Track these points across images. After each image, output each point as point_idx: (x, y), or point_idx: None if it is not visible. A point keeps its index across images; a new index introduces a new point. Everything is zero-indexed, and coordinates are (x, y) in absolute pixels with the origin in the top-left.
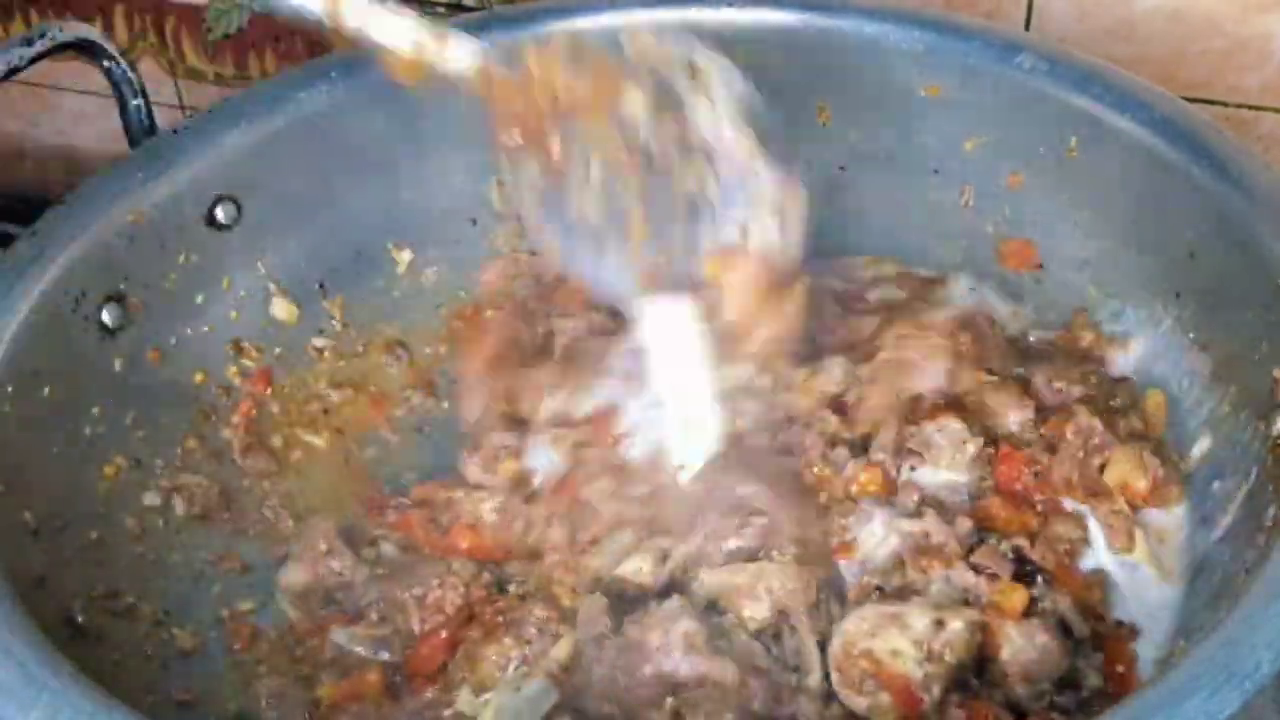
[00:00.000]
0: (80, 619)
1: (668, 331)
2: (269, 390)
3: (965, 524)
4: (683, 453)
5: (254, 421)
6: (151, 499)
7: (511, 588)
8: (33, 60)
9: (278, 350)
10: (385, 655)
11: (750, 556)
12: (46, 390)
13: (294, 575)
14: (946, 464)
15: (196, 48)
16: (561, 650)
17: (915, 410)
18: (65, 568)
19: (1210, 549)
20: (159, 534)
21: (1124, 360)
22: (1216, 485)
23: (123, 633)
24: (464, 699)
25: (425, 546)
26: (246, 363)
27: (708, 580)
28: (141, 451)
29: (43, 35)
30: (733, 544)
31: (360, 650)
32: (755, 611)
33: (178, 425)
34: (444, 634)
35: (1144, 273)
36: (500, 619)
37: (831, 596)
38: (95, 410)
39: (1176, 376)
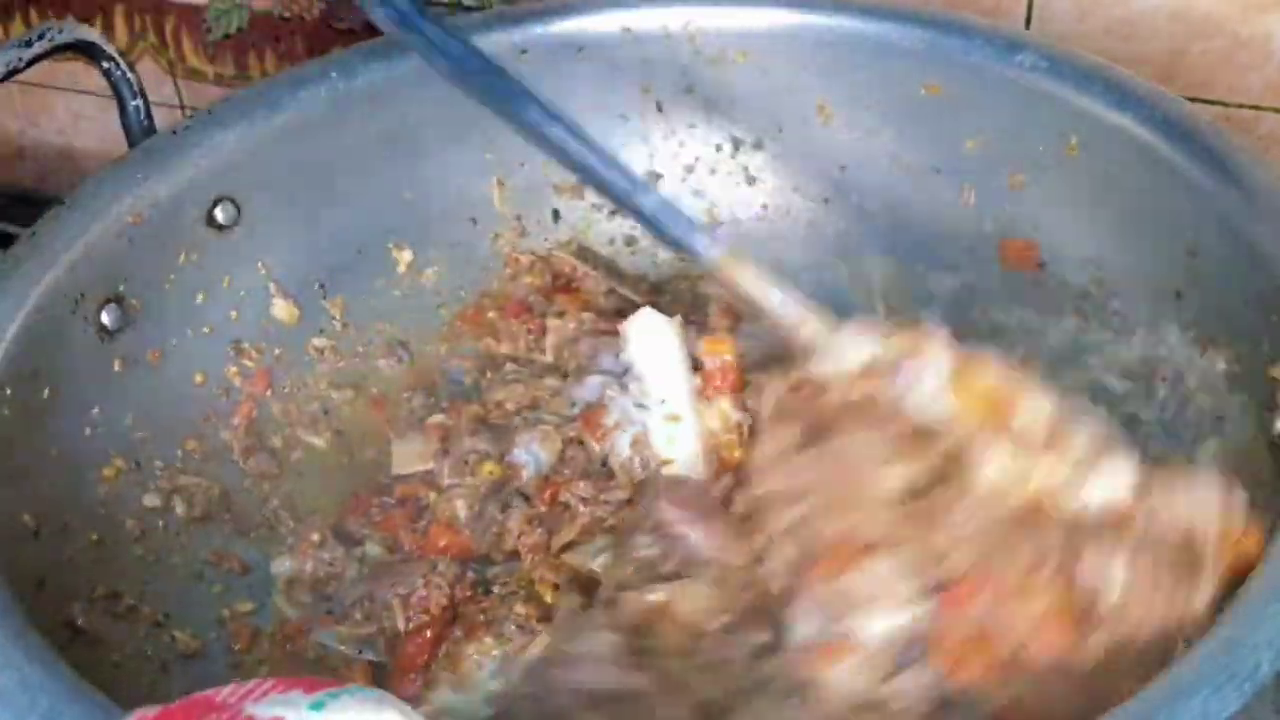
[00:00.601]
0: (80, 621)
1: (651, 346)
2: (269, 391)
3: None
4: (666, 455)
5: (254, 422)
6: (151, 500)
7: (496, 588)
8: (31, 61)
9: (278, 351)
10: (370, 655)
11: (670, 576)
12: (46, 391)
13: (286, 566)
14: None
15: (196, 48)
16: (537, 649)
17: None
18: (65, 569)
19: None
20: (159, 535)
21: None
22: None
23: (123, 635)
24: (443, 696)
25: (408, 545)
26: (246, 363)
27: (631, 599)
28: (141, 453)
29: (42, 36)
30: (651, 561)
31: (344, 649)
32: (674, 630)
33: (178, 426)
34: (429, 633)
35: (1144, 273)
36: (482, 618)
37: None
38: (95, 411)
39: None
